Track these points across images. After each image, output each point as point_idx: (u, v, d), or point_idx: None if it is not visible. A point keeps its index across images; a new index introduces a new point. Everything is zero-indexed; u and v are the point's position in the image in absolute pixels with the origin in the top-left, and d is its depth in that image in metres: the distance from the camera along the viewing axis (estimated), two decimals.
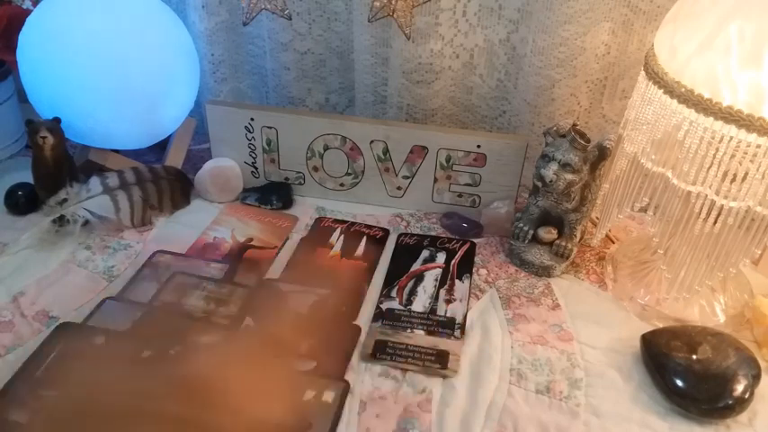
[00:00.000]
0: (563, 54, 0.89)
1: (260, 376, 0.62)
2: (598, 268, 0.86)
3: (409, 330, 0.74)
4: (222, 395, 0.57)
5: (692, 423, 0.64)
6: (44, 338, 0.70)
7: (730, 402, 0.63)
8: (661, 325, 0.75)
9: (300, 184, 0.98)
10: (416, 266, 0.85)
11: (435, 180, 0.93)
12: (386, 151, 0.92)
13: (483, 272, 0.85)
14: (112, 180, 0.89)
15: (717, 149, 0.61)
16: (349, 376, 0.68)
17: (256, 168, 0.98)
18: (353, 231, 0.92)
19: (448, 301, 0.79)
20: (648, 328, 0.73)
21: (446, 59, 0.97)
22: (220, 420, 0.55)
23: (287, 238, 0.90)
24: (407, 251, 0.88)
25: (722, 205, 0.63)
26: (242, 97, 1.12)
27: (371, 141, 0.92)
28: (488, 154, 0.89)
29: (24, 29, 0.87)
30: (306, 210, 0.96)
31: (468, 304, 0.79)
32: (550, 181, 0.78)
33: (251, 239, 0.89)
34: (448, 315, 0.77)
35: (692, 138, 0.62)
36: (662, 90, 0.65)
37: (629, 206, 0.73)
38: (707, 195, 0.64)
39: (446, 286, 0.81)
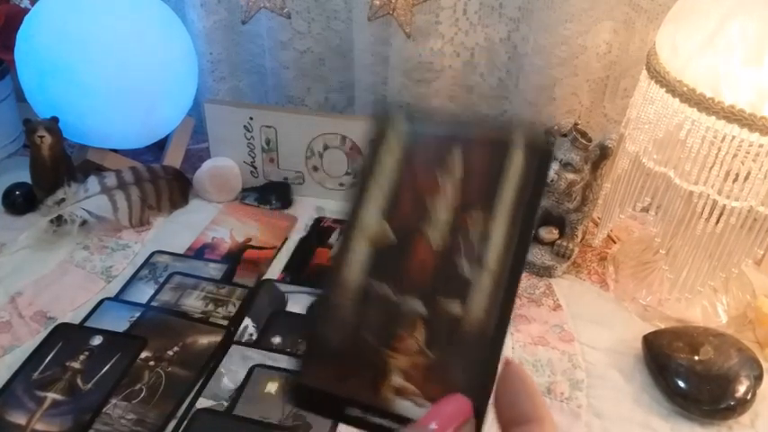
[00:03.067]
0: (564, 53, 0.88)
1: None
2: (599, 268, 0.85)
3: None
4: None
5: (694, 424, 0.64)
6: (42, 339, 0.70)
7: (732, 403, 0.63)
8: (663, 326, 0.74)
9: (300, 183, 0.98)
10: None
11: None
12: None
13: None
14: (110, 180, 0.88)
15: (719, 149, 0.61)
16: None
17: (255, 168, 0.97)
18: None
19: None
20: (650, 329, 0.72)
21: (446, 58, 0.96)
22: None
23: (286, 239, 0.89)
24: None
25: (724, 205, 0.63)
26: (241, 96, 1.12)
27: None
28: None
29: (22, 28, 0.87)
30: (305, 210, 0.95)
31: None
32: (551, 180, 0.77)
33: (250, 239, 0.88)
34: None
35: (694, 137, 0.62)
36: (664, 89, 0.64)
37: (631, 206, 0.73)
38: (709, 195, 0.63)
39: None
